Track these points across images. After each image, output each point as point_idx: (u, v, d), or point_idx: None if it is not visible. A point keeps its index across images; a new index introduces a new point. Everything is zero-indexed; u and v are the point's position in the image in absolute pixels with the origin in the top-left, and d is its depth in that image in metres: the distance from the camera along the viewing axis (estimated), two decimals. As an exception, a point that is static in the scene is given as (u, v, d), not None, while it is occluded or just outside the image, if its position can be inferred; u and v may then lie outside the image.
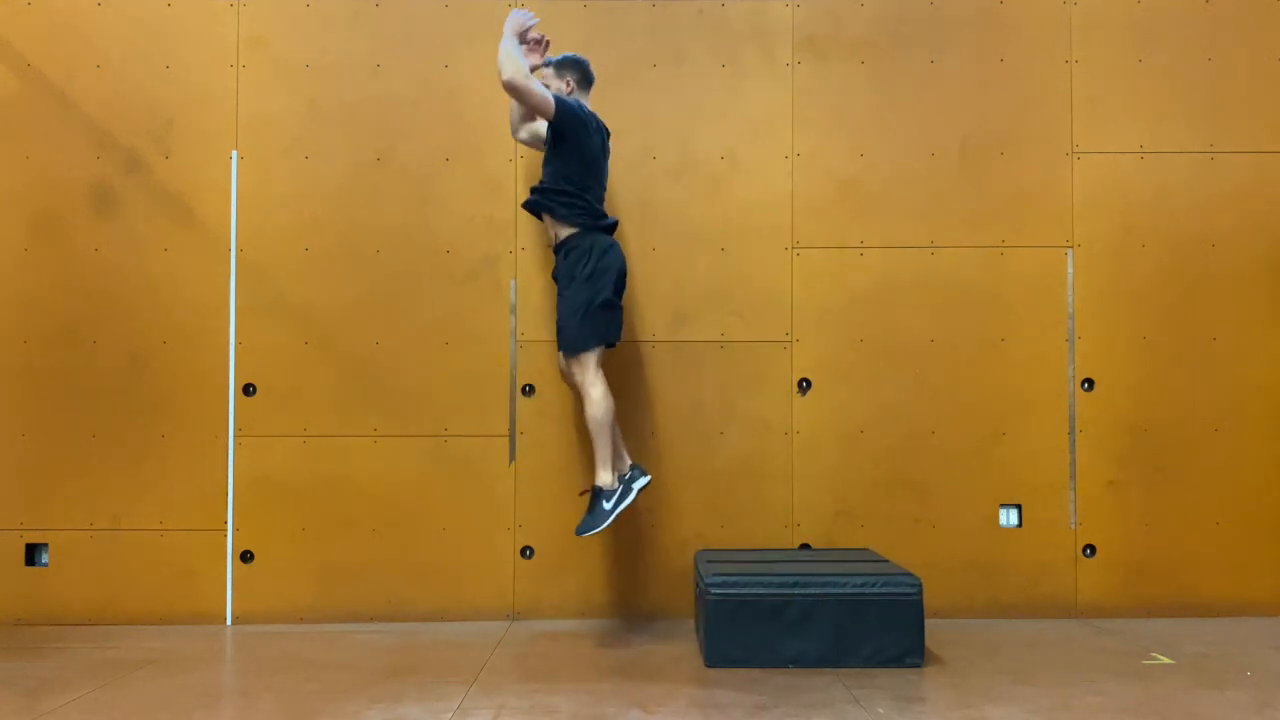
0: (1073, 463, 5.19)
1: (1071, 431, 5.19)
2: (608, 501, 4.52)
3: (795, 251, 5.23)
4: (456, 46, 5.22)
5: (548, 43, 4.86)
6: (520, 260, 5.16)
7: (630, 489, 4.60)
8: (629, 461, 4.79)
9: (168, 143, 5.18)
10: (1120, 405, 5.20)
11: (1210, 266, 5.23)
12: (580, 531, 4.52)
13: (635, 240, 5.19)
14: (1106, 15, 5.26)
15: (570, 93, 4.75)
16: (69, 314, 5.12)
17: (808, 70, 5.26)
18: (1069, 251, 5.23)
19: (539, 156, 5.18)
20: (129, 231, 5.15)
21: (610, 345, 4.78)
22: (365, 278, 5.16)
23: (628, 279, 4.80)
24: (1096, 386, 5.20)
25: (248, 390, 5.12)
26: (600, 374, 4.63)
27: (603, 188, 4.80)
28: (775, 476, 5.18)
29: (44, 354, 5.11)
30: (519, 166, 5.20)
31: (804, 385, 5.20)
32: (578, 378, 4.66)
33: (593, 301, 4.60)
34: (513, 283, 5.17)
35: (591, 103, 4.82)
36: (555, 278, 4.79)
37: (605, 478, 4.56)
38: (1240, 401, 5.20)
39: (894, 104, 5.25)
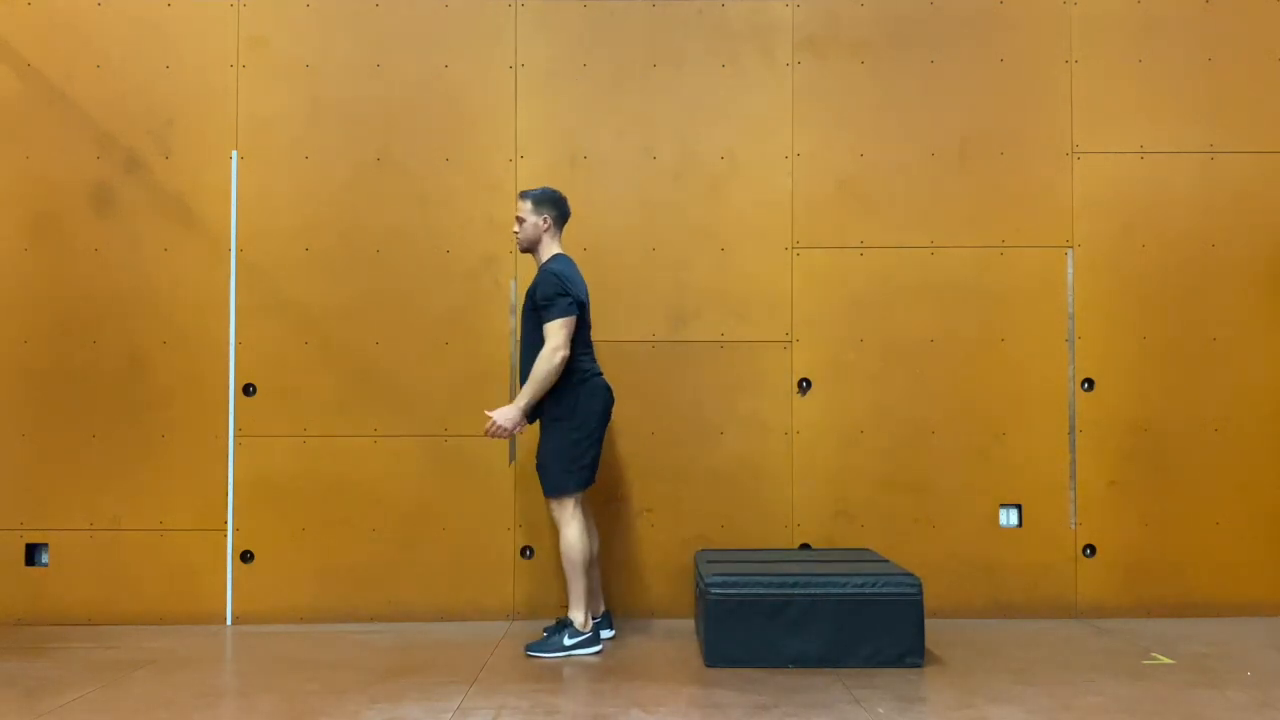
0: (1073, 463, 5.19)
1: (1071, 431, 5.19)
2: (571, 638, 4.43)
3: (795, 251, 5.23)
4: (456, 46, 5.22)
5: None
6: (520, 260, 5.15)
7: (597, 639, 4.49)
8: (603, 606, 4.76)
9: (168, 143, 5.18)
10: (1120, 405, 5.20)
11: (1210, 266, 5.23)
12: (530, 650, 4.44)
13: (635, 240, 5.20)
14: (1106, 15, 5.27)
15: (546, 229, 4.57)
16: (69, 314, 5.12)
17: (808, 70, 5.26)
18: (1069, 251, 5.23)
19: (538, 157, 5.19)
20: (129, 231, 5.15)
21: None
22: (365, 278, 5.17)
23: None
24: (1096, 386, 5.20)
25: (248, 390, 5.12)
26: (578, 512, 4.47)
27: (588, 338, 4.61)
28: (775, 476, 5.18)
29: (44, 354, 5.11)
30: (519, 166, 5.20)
31: (804, 385, 5.20)
32: (555, 514, 4.52)
33: (576, 444, 4.47)
34: (512, 283, 5.17)
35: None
36: (540, 415, 4.57)
37: (579, 617, 4.47)
38: (1240, 401, 5.20)
39: (894, 104, 5.25)
